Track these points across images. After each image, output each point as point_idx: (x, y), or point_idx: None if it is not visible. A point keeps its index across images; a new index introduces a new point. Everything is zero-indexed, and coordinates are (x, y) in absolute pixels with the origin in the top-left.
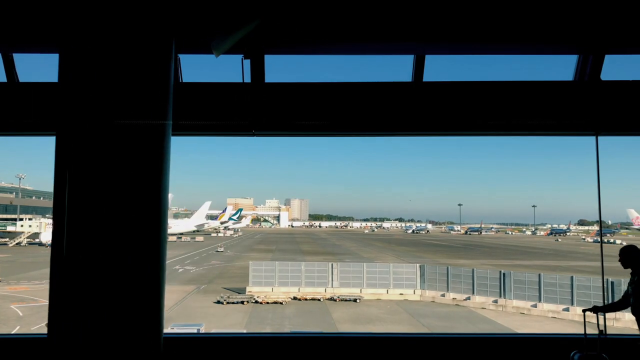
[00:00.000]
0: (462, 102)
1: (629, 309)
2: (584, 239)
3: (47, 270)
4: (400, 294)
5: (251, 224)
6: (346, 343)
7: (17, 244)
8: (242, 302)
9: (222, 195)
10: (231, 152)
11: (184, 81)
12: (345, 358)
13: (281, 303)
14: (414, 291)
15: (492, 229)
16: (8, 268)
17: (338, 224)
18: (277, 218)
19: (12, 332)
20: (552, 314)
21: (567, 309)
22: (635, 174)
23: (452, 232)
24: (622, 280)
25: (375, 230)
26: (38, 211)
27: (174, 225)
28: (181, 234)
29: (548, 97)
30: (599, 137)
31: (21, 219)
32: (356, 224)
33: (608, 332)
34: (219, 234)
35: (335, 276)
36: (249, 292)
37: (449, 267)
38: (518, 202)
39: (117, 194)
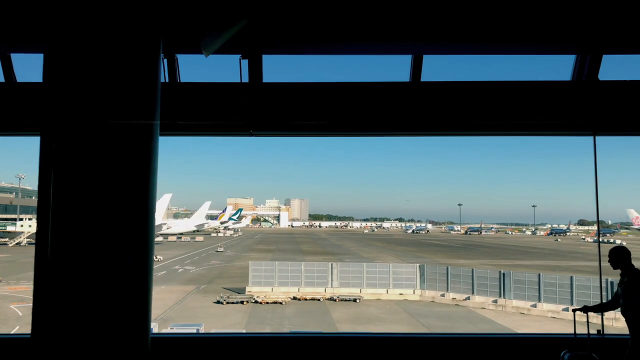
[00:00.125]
0: (459, 102)
1: (619, 309)
2: (584, 239)
3: None
4: (400, 294)
5: (251, 224)
6: (346, 343)
7: (17, 243)
8: (242, 302)
9: (222, 195)
10: (231, 152)
11: (181, 81)
12: (345, 358)
13: (281, 303)
14: (414, 291)
15: (492, 229)
16: (8, 268)
17: (338, 224)
18: (277, 218)
19: (3, 333)
20: (551, 314)
21: (566, 309)
22: (636, 174)
23: (452, 232)
24: None
25: (375, 230)
26: None
27: (174, 225)
28: (181, 234)
29: (545, 97)
30: (597, 137)
31: (21, 219)
32: (356, 224)
33: (606, 331)
34: (219, 234)
35: (335, 276)
36: (248, 292)
37: (449, 267)
38: (518, 202)
39: (103, 195)
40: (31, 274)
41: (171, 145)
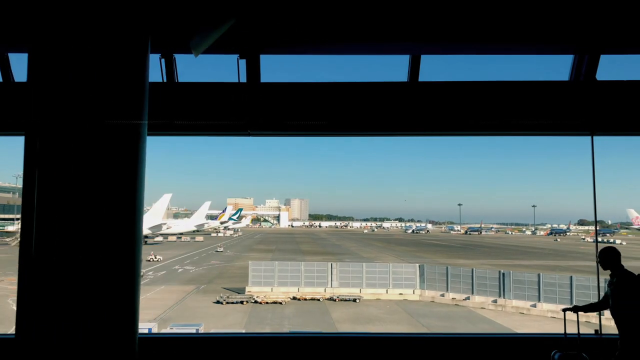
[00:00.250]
0: (457, 102)
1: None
2: (584, 239)
3: None
4: (400, 293)
5: (251, 224)
6: (345, 343)
7: (18, 243)
8: (242, 302)
9: (222, 195)
10: (231, 152)
11: (179, 81)
12: (345, 358)
13: (280, 303)
14: (414, 291)
15: (492, 229)
16: (8, 268)
17: (338, 224)
18: (277, 218)
19: None
20: (551, 313)
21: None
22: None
23: (452, 232)
24: None
25: (375, 230)
26: None
27: (174, 225)
28: (181, 233)
29: (543, 97)
30: (595, 137)
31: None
32: (356, 224)
33: (603, 331)
34: (219, 234)
35: (334, 276)
36: (248, 292)
37: (449, 267)
38: (518, 202)
39: (88, 194)
40: None
41: (171, 146)
